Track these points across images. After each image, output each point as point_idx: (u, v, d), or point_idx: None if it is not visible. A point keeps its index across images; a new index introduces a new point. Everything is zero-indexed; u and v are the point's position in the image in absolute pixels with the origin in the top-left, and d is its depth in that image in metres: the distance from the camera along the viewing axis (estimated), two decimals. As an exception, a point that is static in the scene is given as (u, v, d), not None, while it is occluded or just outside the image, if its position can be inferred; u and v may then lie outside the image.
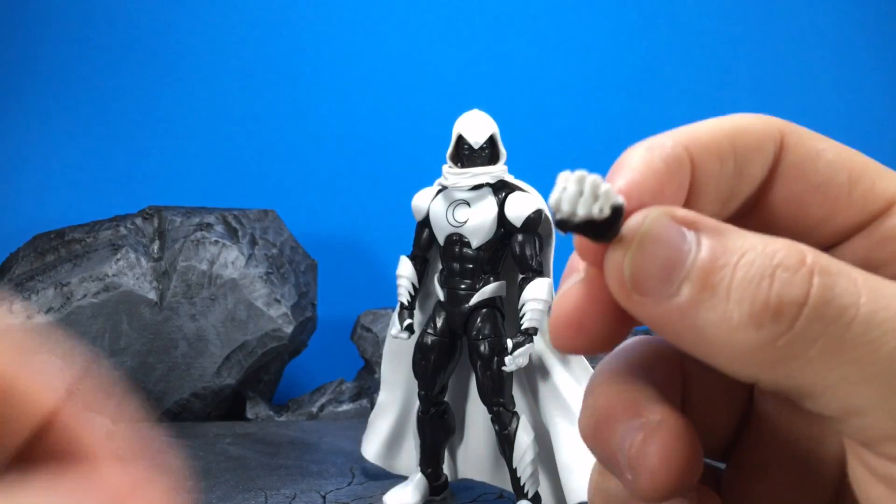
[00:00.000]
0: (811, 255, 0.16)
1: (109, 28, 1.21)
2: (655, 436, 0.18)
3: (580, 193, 0.17)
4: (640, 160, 0.19)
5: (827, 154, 0.20)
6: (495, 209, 0.67)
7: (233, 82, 1.22)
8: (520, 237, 0.67)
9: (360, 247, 1.22)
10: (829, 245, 0.20)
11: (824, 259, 0.16)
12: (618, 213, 0.17)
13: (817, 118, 1.19)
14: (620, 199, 0.17)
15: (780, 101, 1.23)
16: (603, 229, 0.18)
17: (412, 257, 0.73)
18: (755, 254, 0.17)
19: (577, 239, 0.19)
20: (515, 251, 0.67)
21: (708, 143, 0.19)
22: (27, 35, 1.20)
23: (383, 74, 1.23)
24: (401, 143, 1.21)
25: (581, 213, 0.17)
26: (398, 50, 1.23)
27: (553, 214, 0.18)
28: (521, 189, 0.68)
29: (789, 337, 0.16)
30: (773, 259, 0.16)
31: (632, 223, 0.18)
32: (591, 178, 0.17)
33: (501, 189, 0.68)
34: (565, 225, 0.18)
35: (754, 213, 0.21)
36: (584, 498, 0.65)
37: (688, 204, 0.19)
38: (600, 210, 0.17)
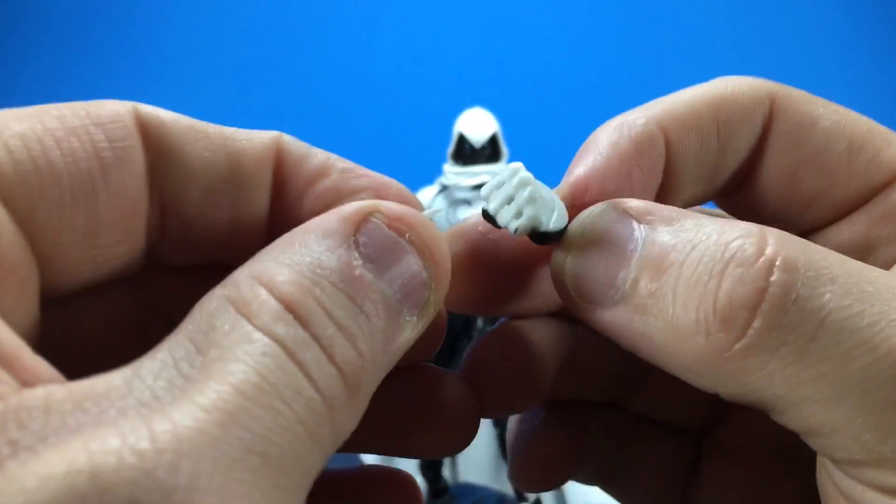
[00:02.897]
0: (774, 243, 0.14)
1: (108, 27, 1.20)
2: None
3: (508, 200, 0.16)
4: (606, 142, 0.17)
5: (824, 121, 0.18)
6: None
7: (231, 82, 1.21)
8: (521, 237, 0.66)
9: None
10: (825, 223, 0.18)
11: (792, 248, 0.14)
12: (542, 235, 0.16)
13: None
14: (544, 226, 0.16)
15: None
16: (537, 241, 0.16)
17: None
18: (706, 246, 0.14)
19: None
20: (517, 251, 0.67)
21: (686, 116, 0.17)
22: (27, 35, 1.20)
23: (383, 72, 1.22)
24: (401, 142, 1.20)
25: (500, 223, 0.16)
26: (397, 47, 1.22)
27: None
28: (522, 188, 0.67)
29: (742, 346, 0.13)
30: (727, 251, 0.14)
31: (575, 223, 0.16)
32: (525, 194, 0.16)
33: (503, 188, 0.67)
34: (489, 221, 0.17)
35: (743, 190, 0.19)
36: (585, 499, 0.65)
37: (665, 185, 0.18)
38: (515, 230, 0.16)
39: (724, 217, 0.18)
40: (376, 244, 0.14)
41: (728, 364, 0.14)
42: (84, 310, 0.16)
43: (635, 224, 0.15)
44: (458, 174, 0.67)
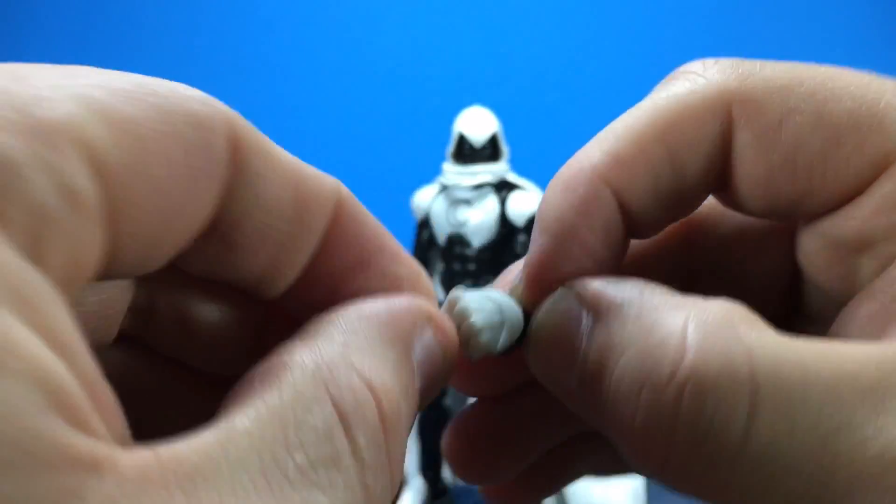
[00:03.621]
0: (692, 354, 0.13)
1: (108, 26, 1.20)
2: None
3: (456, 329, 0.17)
4: (553, 217, 0.17)
5: (794, 118, 0.16)
6: (497, 208, 0.67)
7: (231, 81, 1.21)
8: (522, 237, 0.66)
9: (360, 247, 1.21)
10: (817, 219, 0.17)
11: (711, 360, 0.13)
12: (502, 353, 0.17)
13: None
14: (498, 347, 0.17)
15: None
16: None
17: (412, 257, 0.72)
18: (633, 355, 0.14)
19: None
20: (517, 251, 0.67)
21: (632, 157, 0.16)
22: (27, 35, 1.19)
23: (383, 71, 1.22)
24: (400, 141, 1.20)
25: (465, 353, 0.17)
26: (397, 46, 1.22)
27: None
28: (522, 188, 0.67)
29: (667, 471, 0.13)
30: (644, 366, 0.14)
31: (536, 318, 0.17)
32: (465, 328, 0.16)
33: (503, 188, 0.67)
34: None
35: (724, 196, 0.18)
36: (586, 500, 0.64)
37: (631, 229, 0.17)
38: (470, 356, 0.17)
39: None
40: (425, 354, 0.15)
41: (662, 476, 0.14)
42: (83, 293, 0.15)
43: (584, 314, 0.15)
44: (458, 174, 0.67)
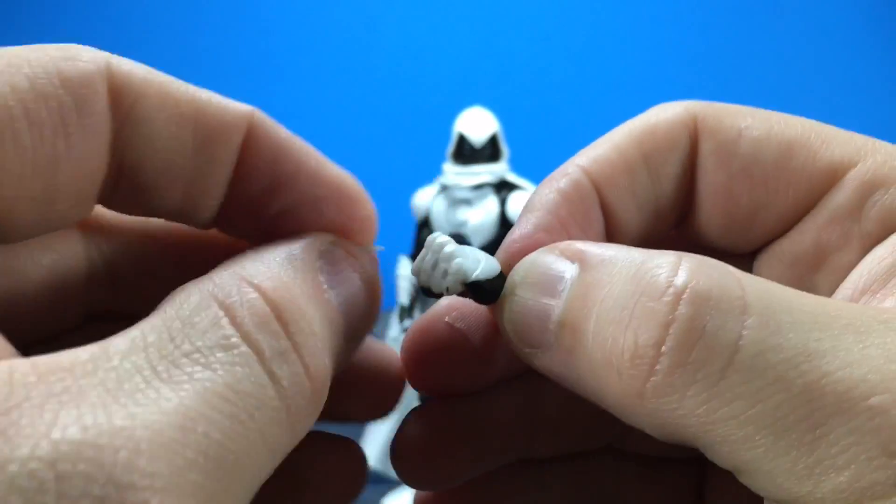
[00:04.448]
0: (685, 272, 0.13)
1: (107, 23, 1.20)
2: None
3: (434, 266, 0.17)
4: (539, 202, 0.18)
5: (752, 132, 0.17)
6: (497, 209, 0.67)
7: (230, 80, 1.21)
8: (522, 237, 0.66)
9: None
10: (774, 236, 0.18)
11: (704, 277, 0.13)
12: (476, 286, 0.17)
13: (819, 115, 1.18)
14: (473, 275, 0.16)
15: (784, 101, 1.23)
16: (475, 297, 0.17)
17: (412, 257, 0.72)
18: (624, 279, 0.14)
19: None
20: (517, 251, 0.67)
21: (612, 158, 0.18)
22: (27, 32, 1.19)
23: (383, 71, 1.22)
24: (400, 142, 1.20)
25: (434, 290, 0.17)
26: (397, 46, 1.22)
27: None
28: (522, 188, 0.67)
29: (652, 386, 0.13)
30: (639, 283, 0.14)
31: (512, 273, 0.17)
32: (446, 251, 0.17)
33: (503, 188, 0.67)
34: (428, 294, 0.17)
35: (690, 217, 0.19)
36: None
37: (609, 229, 0.18)
38: (447, 289, 0.17)
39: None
40: (336, 271, 0.16)
41: (644, 404, 0.13)
42: (28, 259, 0.16)
43: (567, 264, 0.15)
44: (458, 174, 0.67)
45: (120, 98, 0.14)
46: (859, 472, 0.12)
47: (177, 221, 0.16)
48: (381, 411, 0.20)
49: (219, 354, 0.12)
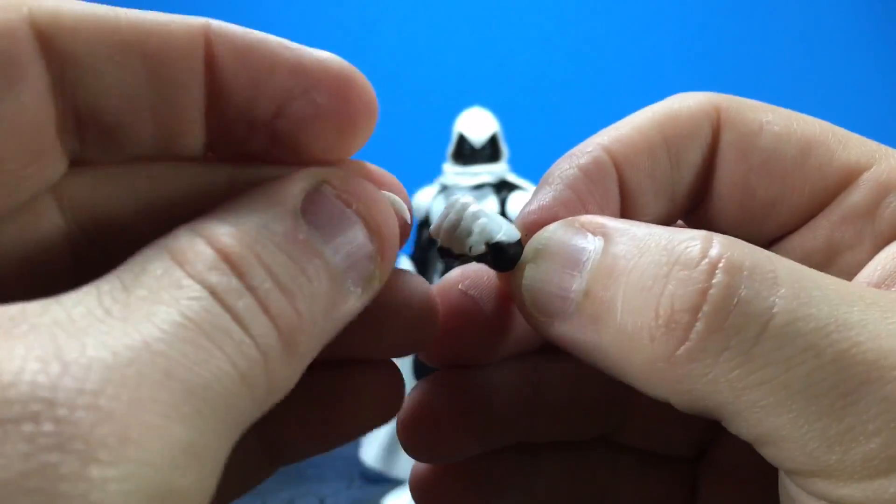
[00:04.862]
0: (718, 246, 0.14)
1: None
2: None
3: (456, 226, 0.17)
4: (557, 176, 0.18)
5: (773, 126, 0.17)
6: (497, 209, 0.67)
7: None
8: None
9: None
10: (787, 230, 0.18)
11: (737, 251, 0.14)
12: (498, 248, 0.16)
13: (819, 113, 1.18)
14: (498, 236, 0.16)
15: (784, 99, 1.23)
16: (494, 261, 0.17)
17: (412, 257, 0.72)
18: (654, 251, 0.14)
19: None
20: (517, 251, 0.67)
21: (633, 139, 0.18)
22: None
23: (382, 71, 1.22)
24: (400, 142, 1.20)
25: (455, 250, 0.17)
26: (397, 46, 1.22)
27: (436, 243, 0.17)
28: (522, 188, 0.67)
29: (685, 350, 0.13)
30: (672, 254, 0.14)
31: (531, 241, 0.17)
32: (471, 210, 0.16)
33: (503, 188, 0.67)
34: (446, 255, 0.17)
35: (704, 204, 0.19)
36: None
37: (625, 209, 0.18)
38: (470, 249, 0.16)
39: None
40: (323, 214, 0.14)
41: (673, 369, 0.13)
42: (5, 228, 0.15)
43: (589, 236, 0.16)
44: (457, 174, 0.67)
45: (50, 41, 0.13)
46: (890, 439, 0.12)
47: (165, 159, 0.15)
48: (418, 345, 0.19)
49: (172, 291, 0.12)
